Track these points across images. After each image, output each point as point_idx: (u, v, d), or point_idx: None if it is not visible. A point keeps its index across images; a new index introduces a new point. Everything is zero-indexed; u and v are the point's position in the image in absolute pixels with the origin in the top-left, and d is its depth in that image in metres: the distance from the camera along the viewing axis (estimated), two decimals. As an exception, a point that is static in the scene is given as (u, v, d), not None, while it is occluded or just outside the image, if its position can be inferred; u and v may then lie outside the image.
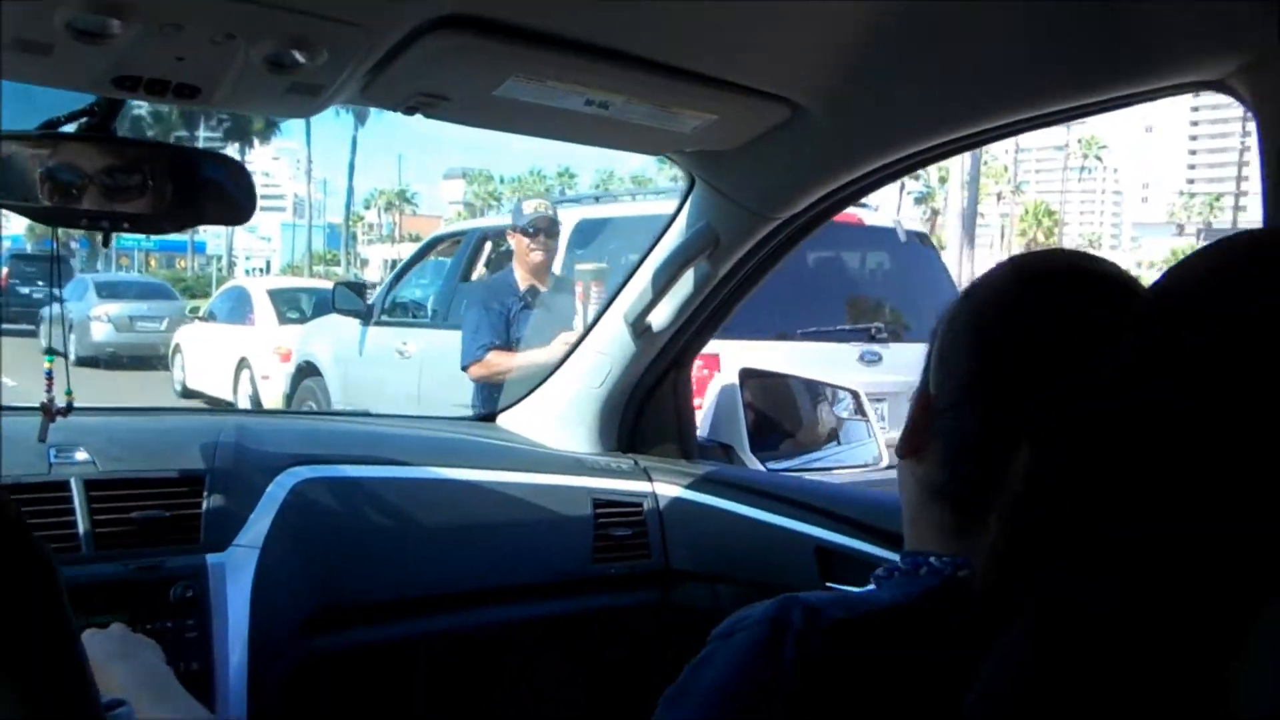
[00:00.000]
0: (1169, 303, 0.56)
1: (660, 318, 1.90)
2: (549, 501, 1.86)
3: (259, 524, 1.54)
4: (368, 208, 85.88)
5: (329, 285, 9.61)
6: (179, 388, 12.77)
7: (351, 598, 1.62)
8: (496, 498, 1.82)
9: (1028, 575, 0.57)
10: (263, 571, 1.49)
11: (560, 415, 2.08)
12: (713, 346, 2.32)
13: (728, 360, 3.38)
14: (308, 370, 8.03)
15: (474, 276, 6.96)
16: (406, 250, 8.70)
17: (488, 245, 7.06)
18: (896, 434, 0.82)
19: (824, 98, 1.35)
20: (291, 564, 1.54)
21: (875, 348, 5.09)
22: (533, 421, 2.12)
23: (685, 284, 1.84)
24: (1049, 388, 0.59)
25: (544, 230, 3.94)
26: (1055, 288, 0.78)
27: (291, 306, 11.80)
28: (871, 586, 0.82)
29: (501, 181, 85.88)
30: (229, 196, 1.41)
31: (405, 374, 6.55)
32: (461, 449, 1.94)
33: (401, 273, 7.69)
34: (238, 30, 1.07)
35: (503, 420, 2.19)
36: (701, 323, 1.94)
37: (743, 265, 1.82)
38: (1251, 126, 1.05)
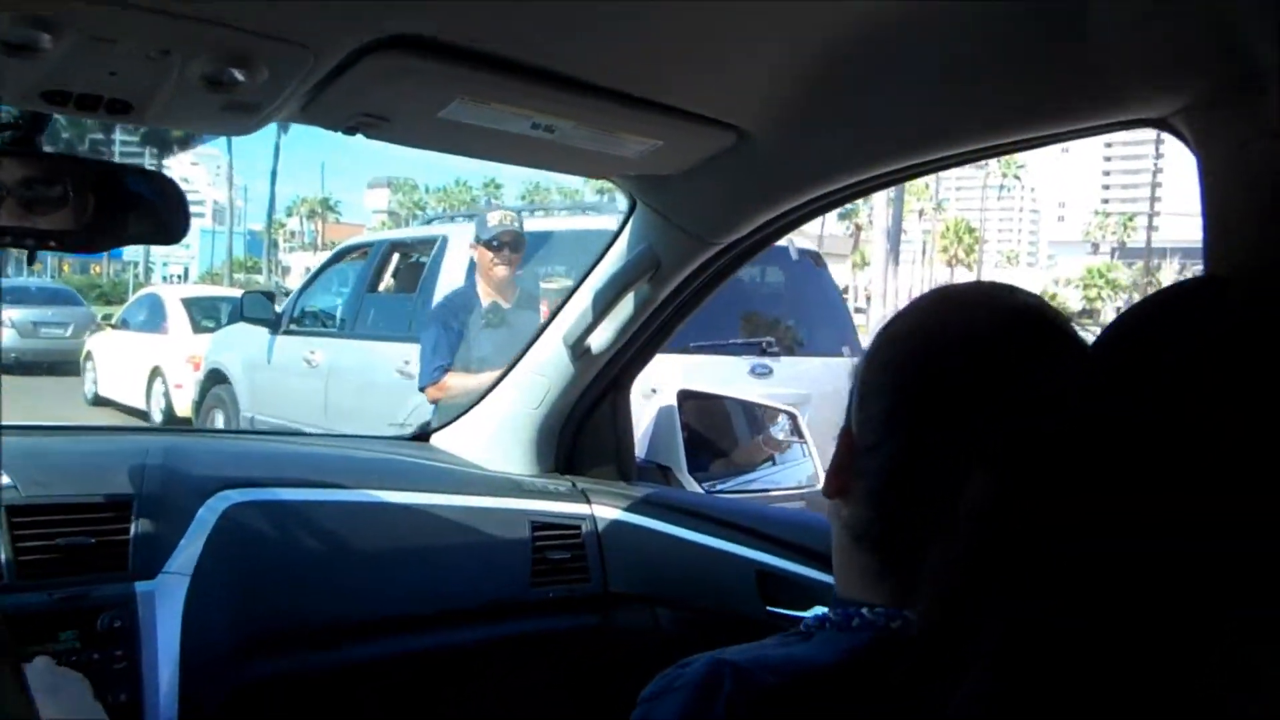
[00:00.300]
0: (1129, 330, 0.56)
1: (600, 340, 1.89)
2: (486, 524, 1.83)
3: (189, 550, 1.50)
4: (290, 215, 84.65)
5: (248, 293, 9.47)
6: (90, 396, 12.43)
7: (285, 624, 1.58)
8: (433, 521, 1.79)
9: (977, 605, 0.56)
10: (194, 599, 1.45)
11: (497, 436, 2.05)
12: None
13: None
14: (216, 378, 7.97)
15: (381, 288, 6.98)
16: (329, 259, 8.65)
17: (395, 256, 7.03)
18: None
19: (770, 125, 1.35)
20: (223, 591, 1.50)
21: (766, 361, 5.15)
22: (468, 442, 2.09)
23: (625, 306, 1.83)
24: (991, 409, 0.58)
25: (509, 244, 3.81)
26: (975, 320, 0.78)
27: (208, 315, 11.55)
28: (806, 620, 0.82)
29: (427, 191, 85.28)
30: (158, 214, 1.36)
31: (312, 383, 6.57)
32: (397, 470, 1.90)
33: (309, 282, 7.63)
34: (173, 46, 1.03)
35: (437, 440, 2.15)
36: (641, 345, 1.93)
37: (683, 289, 1.82)
38: (1165, 149, 1.07)
